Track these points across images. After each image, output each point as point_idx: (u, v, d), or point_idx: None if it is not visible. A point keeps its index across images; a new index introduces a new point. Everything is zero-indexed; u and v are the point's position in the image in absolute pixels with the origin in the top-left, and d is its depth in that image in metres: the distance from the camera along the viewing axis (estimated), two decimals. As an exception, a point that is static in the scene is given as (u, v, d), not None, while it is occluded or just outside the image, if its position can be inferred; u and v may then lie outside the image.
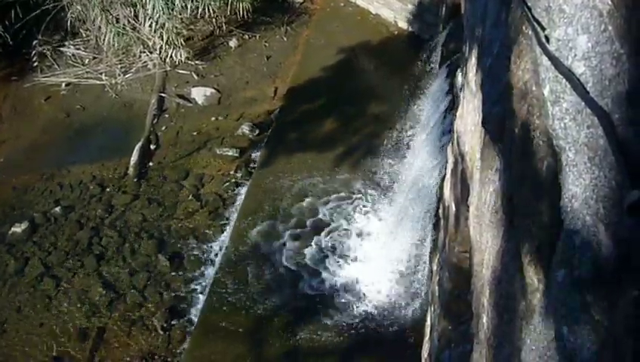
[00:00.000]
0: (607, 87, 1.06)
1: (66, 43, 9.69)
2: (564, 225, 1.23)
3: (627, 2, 0.97)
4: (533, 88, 1.54)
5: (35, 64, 9.12)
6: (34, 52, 9.12)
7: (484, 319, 2.20)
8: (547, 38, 1.40)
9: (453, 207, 4.31)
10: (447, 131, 5.94)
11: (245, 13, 9.70)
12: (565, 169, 1.25)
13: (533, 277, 1.51)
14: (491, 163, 2.34)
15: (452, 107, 5.65)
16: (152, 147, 8.22)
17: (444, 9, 7.70)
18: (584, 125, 1.15)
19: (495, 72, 2.26)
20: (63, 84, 9.20)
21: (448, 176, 4.84)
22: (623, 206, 0.91)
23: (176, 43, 9.11)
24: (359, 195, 7.25)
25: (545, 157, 1.39)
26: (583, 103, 1.13)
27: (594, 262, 1.06)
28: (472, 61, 3.40)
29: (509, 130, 1.87)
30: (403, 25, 9.69)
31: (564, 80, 1.24)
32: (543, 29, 1.45)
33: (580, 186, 1.16)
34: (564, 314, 1.20)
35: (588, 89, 1.14)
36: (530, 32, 1.54)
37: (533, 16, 1.51)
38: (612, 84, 1.05)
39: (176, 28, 9.03)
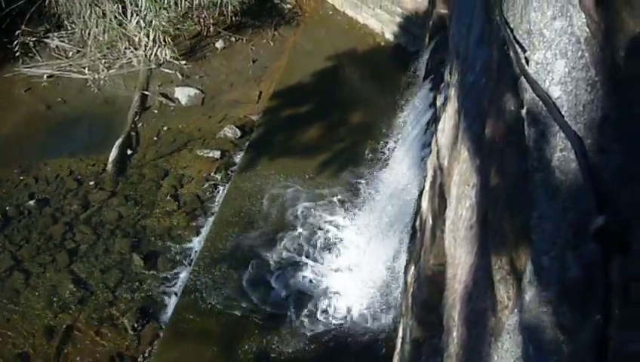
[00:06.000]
0: (582, 113, 1.08)
1: (50, 35, 9.60)
2: (534, 244, 1.25)
3: (603, 31, 0.99)
4: (512, 108, 1.56)
5: (17, 54, 9.02)
6: (17, 42, 9.01)
7: (454, 334, 2.22)
8: (527, 61, 1.42)
9: (430, 220, 4.34)
10: (428, 144, 5.97)
11: (233, 15, 9.71)
12: (538, 190, 1.26)
13: (503, 295, 1.53)
14: (468, 178, 2.37)
15: (434, 120, 5.69)
16: (132, 145, 8.16)
17: (430, 23, 7.76)
18: (557, 148, 1.16)
19: (476, 89, 2.29)
20: (45, 76, 9.10)
21: (427, 188, 4.88)
22: (589, 231, 0.92)
23: (163, 41, 9.07)
24: (339, 204, 7.26)
25: (519, 176, 1.41)
26: (558, 127, 1.15)
27: (561, 284, 1.08)
28: (455, 77, 3.43)
29: (487, 147, 1.89)
30: (390, 36, 9.77)
31: (540, 102, 1.26)
32: (524, 50, 1.47)
33: (551, 208, 1.17)
34: (531, 333, 1.21)
35: (563, 113, 1.16)
36: (511, 53, 1.56)
37: (514, 38, 1.53)
38: (586, 109, 1.06)
39: (163, 26, 9.00)
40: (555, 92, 1.21)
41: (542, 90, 1.26)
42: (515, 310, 1.38)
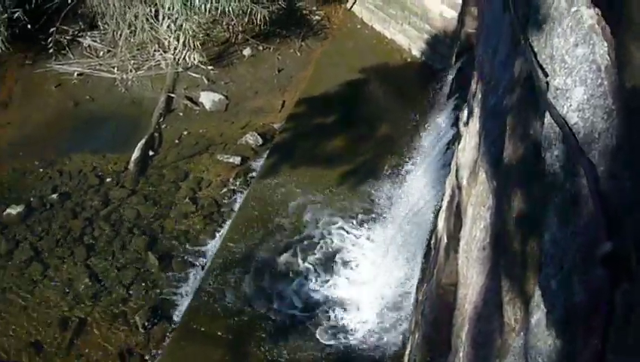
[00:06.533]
0: (597, 140, 1.09)
1: (84, 34, 9.79)
2: (544, 268, 1.26)
3: (623, 60, 1.00)
4: (531, 132, 1.57)
5: (51, 51, 9.19)
6: (51, 39, 9.19)
7: (461, 354, 2.22)
8: (547, 86, 1.43)
9: (444, 239, 4.34)
10: (447, 163, 5.98)
11: (262, 24, 9.79)
12: (550, 214, 1.28)
13: (510, 317, 1.53)
14: (484, 200, 2.37)
15: (455, 140, 5.69)
16: (155, 145, 8.27)
17: (458, 42, 7.78)
18: (571, 174, 1.18)
19: (498, 111, 2.30)
20: (75, 74, 9.27)
21: (444, 208, 4.88)
22: (596, 256, 0.93)
23: (192, 45, 9.18)
24: (355, 217, 7.25)
25: (534, 200, 1.42)
26: (572, 153, 1.16)
27: (566, 308, 1.09)
28: (478, 98, 3.45)
29: (505, 169, 1.90)
30: (417, 53, 9.77)
31: (557, 128, 1.28)
32: (545, 75, 1.49)
33: (562, 232, 1.18)
34: (534, 355, 1.22)
35: (578, 139, 1.17)
36: (533, 77, 1.58)
37: (537, 63, 1.54)
38: (601, 137, 1.08)
39: (193, 30, 9.12)
40: (573, 118, 1.22)
41: (559, 115, 1.27)
42: (522, 333, 1.39)
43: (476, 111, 3.30)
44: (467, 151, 3.50)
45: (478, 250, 2.26)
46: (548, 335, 1.15)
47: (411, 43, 9.83)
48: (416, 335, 4.81)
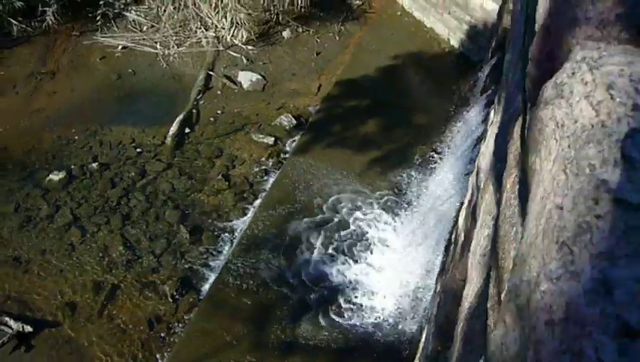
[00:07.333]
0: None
1: (129, 8, 10.08)
2: (513, 275, 1.42)
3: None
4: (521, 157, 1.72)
5: (98, 24, 9.52)
6: (98, 12, 9.52)
7: (456, 346, 2.40)
8: (526, 103, 1.57)
9: (462, 236, 4.48)
10: (474, 159, 6.08)
11: (303, 6, 9.93)
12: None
13: (491, 321, 1.71)
14: (491, 209, 2.53)
15: (483, 138, 5.78)
16: (192, 122, 8.54)
17: (494, 39, 7.79)
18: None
19: (507, 127, 2.44)
20: (120, 47, 9.58)
21: (465, 205, 5.01)
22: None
23: (237, 23, 9.39)
24: (383, 203, 7.41)
25: (517, 223, 1.58)
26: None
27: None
28: (502, 104, 3.56)
29: (503, 188, 2.05)
30: (455, 43, 9.81)
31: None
32: (529, 92, 1.62)
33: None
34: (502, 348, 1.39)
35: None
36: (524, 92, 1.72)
37: (527, 80, 1.68)
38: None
39: (236, 9, 9.32)
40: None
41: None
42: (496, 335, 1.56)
43: (498, 118, 3.42)
44: (487, 156, 3.63)
45: (480, 256, 2.42)
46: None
47: (450, 33, 9.86)
48: (431, 325, 4.98)
